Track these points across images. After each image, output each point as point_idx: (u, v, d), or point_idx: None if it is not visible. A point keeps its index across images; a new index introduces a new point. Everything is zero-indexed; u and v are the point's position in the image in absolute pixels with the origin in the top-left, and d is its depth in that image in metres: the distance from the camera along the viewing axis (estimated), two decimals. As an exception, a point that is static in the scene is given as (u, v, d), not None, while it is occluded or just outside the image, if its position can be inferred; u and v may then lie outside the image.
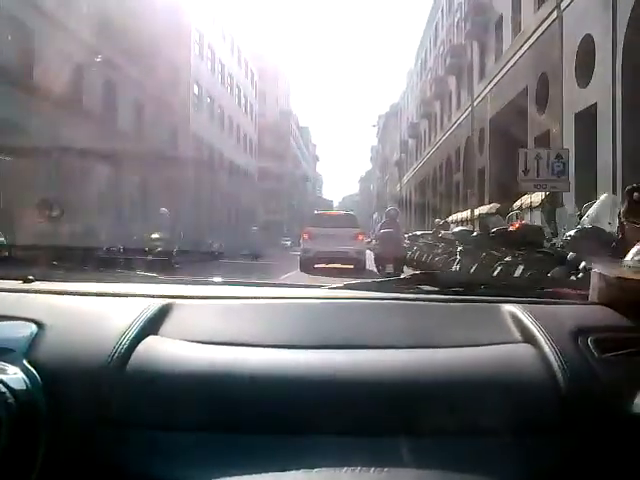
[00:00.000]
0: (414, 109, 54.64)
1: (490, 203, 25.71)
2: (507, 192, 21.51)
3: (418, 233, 20.49)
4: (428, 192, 44.47)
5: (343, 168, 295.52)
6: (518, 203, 20.49)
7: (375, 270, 12.40)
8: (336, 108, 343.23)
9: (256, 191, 50.22)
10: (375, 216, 76.72)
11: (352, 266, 14.72)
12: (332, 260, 14.79)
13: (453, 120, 35.61)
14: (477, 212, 25.48)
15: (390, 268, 11.42)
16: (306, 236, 16.22)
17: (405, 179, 54.85)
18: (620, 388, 0.93)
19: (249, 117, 51.42)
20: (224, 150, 39.67)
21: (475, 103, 28.89)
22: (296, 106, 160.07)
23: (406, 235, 17.12)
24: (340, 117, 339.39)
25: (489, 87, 26.71)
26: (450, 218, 32.63)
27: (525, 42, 21.23)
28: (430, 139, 45.34)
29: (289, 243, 38.43)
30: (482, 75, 29.14)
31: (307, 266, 14.69)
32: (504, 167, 23.33)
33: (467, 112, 31.06)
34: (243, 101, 48.76)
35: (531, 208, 18.97)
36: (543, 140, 18.83)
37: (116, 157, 19.29)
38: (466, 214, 27.72)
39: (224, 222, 38.21)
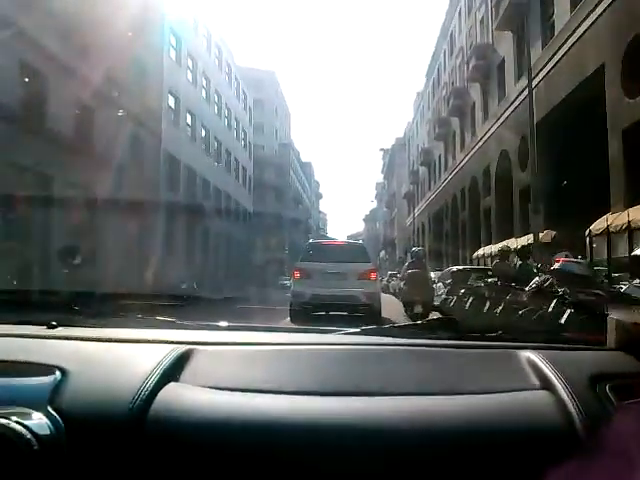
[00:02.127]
0: (425, 134, 49.31)
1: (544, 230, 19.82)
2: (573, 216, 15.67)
3: (456, 269, 14.76)
4: (446, 223, 38.55)
5: (347, 206, 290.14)
6: (599, 226, 14.65)
7: (390, 317, 11.27)
8: (339, 146, 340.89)
9: (253, 227, 45.01)
10: (382, 254, 71.70)
11: (361, 314, 10.69)
12: (334, 307, 10.89)
13: (479, 135, 29.87)
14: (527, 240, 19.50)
15: (419, 308, 11.38)
16: (297, 274, 11.90)
17: (417, 212, 49.17)
18: (637, 436, 0.89)
19: (242, 145, 46.08)
20: (208, 176, 34.08)
21: (518, 102, 23.19)
22: (298, 141, 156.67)
23: (433, 274, 15.62)
24: (344, 155, 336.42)
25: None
26: (482, 251, 26.67)
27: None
28: (447, 163, 39.70)
29: (288, 283, 32.69)
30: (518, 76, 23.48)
31: (299, 316, 10.48)
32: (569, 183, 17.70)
33: (503, 118, 25.37)
34: (235, 126, 43.46)
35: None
36: None
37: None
38: (513, 244, 21.76)
39: (212, 260, 32.78)
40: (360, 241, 17.03)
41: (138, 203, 20.94)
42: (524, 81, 22.25)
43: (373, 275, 11.95)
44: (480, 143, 29.44)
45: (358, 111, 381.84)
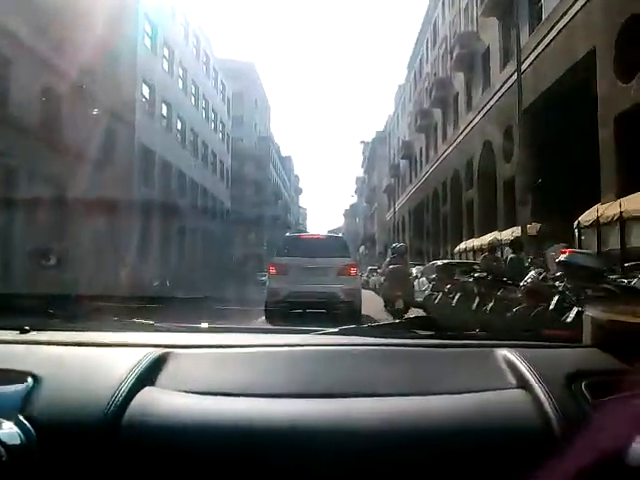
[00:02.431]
0: (406, 127, 48.80)
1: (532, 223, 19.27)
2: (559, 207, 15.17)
3: (441, 263, 14.09)
4: (427, 217, 38.03)
5: (327, 201, 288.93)
6: (588, 217, 14.10)
7: (370, 313, 11.05)
8: (319, 140, 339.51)
9: (231, 223, 44.14)
10: (362, 249, 71.15)
11: (340, 312, 10.25)
12: (312, 304, 10.29)
13: (462, 127, 29.30)
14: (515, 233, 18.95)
15: (400, 304, 11.60)
16: (273, 270, 11.37)
17: (397, 206, 48.58)
18: (614, 434, 0.90)
19: (220, 137, 45.13)
20: (184, 169, 33.14)
21: (503, 90, 22.64)
22: (278, 135, 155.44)
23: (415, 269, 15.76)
24: (324, 149, 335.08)
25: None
26: (464, 245, 26.12)
27: None
28: (428, 156, 39.15)
29: (265, 278, 31.86)
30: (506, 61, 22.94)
31: (275, 315, 9.61)
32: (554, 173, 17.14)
33: (487, 108, 24.81)
34: (213, 118, 42.48)
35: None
36: None
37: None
38: (495, 237, 21.20)
39: (189, 257, 31.92)
40: (340, 234, 16.21)
41: (110, 198, 20.05)
42: (510, 68, 21.73)
43: (353, 270, 11.36)
44: (463, 135, 28.88)
45: (339, 104, 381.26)
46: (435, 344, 1.31)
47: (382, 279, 14.28)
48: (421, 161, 42.01)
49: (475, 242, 24.29)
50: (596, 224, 13.96)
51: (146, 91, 28.92)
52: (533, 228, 18.77)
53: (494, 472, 0.91)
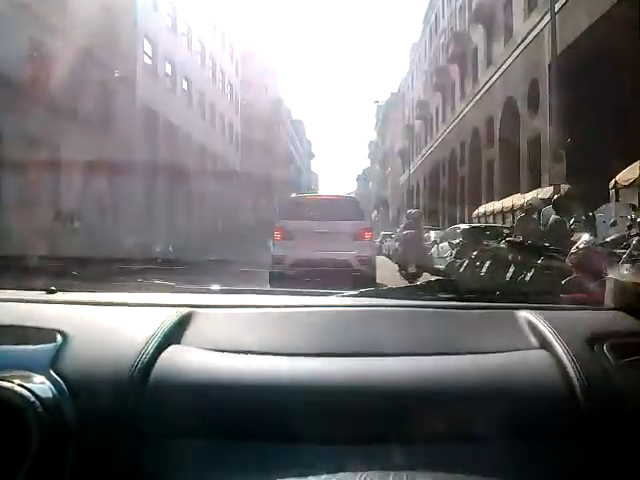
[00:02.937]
0: (421, 87, 46.95)
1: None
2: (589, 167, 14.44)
3: (468, 227, 12.75)
4: (443, 180, 36.56)
5: (340, 166, 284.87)
6: (628, 175, 12.75)
7: (384, 280, 10.02)
8: (332, 104, 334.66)
9: (241, 187, 42.90)
10: (374, 214, 69.80)
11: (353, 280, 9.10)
12: (321, 273, 8.68)
13: (482, 82, 27.70)
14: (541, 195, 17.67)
15: (414, 268, 11.41)
16: (278, 235, 10.20)
17: (411, 169, 47.06)
18: (637, 394, 0.93)
19: (229, 99, 43.63)
20: (191, 131, 31.82)
21: (528, 41, 21.04)
22: (289, 99, 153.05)
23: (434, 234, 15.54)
24: (336, 113, 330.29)
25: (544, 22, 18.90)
26: (482, 209, 24.76)
27: None
28: (445, 115, 37.52)
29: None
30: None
31: (280, 284, 7.62)
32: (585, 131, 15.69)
33: (510, 60, 23.22)
34: (221, 79, 40.93)
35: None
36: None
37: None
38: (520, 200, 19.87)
39: (197, 222, 30.88)
40: (352, 195, 15.09)
41: (109, 160, 18.96)
42: (535, 17, 20.12)
43: (368, 235, 10.23)
44: (483, 91, 27.31)
45: (351, 67, 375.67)
46: (456, 306, 1.29)
47: (396, 244, 13.91)
48: (437, 121, 40.35)
49: (496, 205, 22.95)
50: (638, 183, 12.61)
51: (148, 48, 27.48)
52: (549, 192, 17.46)
53: (516, 432, 0.90)
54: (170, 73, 30.25)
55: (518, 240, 8.68)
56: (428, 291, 1.45)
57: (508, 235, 10.10)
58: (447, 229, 16.97)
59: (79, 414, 0.90)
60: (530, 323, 1.13)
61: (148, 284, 1.56)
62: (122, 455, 0.88)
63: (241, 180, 43.50)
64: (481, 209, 24.95)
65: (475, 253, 9.47)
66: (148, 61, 27.43)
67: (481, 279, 8.50)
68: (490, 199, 24.91)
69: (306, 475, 0.79)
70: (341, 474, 0.79)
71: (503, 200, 22.22)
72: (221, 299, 1.41)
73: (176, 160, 28.20)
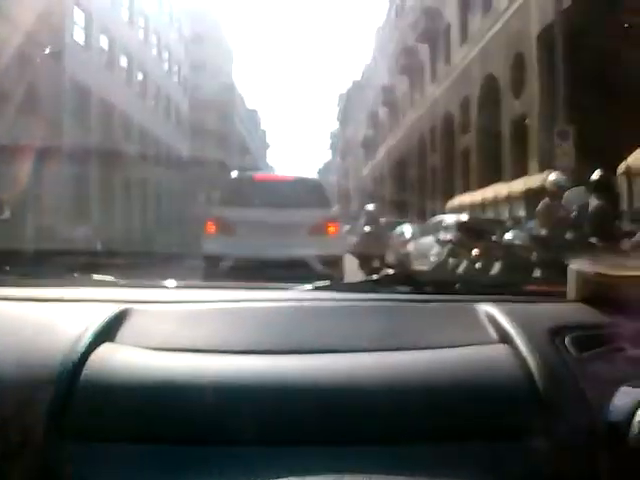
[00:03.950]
0: (386, 71, 44.21)
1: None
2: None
3: (466, 219, 10.32)
4: (411, 170, 33.89)
5: (299, 159, 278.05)
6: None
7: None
8: (288, 93, 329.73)
9: (191, 177, 39.63)
10: (335, 208, 67.01)
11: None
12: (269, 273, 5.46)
13: (456, 61, 25.07)
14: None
15: (376, 263, 11.37)
16: (212, 228, 7.72)
17: (375, 160, 44.42)
18: (598, 387, 0.91)
19: (175, 81, 40.20)
20: (130, 113, 28.46)
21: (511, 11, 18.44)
22: (243, 87, 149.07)
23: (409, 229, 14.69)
24: (293, 103, 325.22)
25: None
26: (457, 201, 22.12)
27: None
28: (413, 100, 34.81)
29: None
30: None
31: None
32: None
33: (490, 35, 20.61)
34: (167, 58, 37.54)
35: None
36: None
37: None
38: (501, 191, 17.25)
39: (137, 214, 27.70)
40: (315, 178, 12.90)
41: (37, 144, 16.17)
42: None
43: (334, 228, 7.81)
44: (457, 70, 24.63)
45: (311, 55, 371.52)
46: (414, 299, 1.27)
47: (355, 239, 13.24)
48: (404, 107, 37.62)
49: (474, 196, 20.32)
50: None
51: (80, 18, 24.16)
52: (538, 180, 14.88)
53: (477, 427, 0.88)
54: (107, 48, 26.86)
55: (544, 234, 6.91)
56: (386, 284, 1.38)
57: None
58: (428, 222, 14.32)
59: (3, 418, 0.84)
60: (490, 316, 1.10)
61: (87, 279, 1.44)
62: (46, 460, 0.82)
63: (191, 170, 40.23)
64: (456, 201, 22.31)
65: (477, 251, 6.88)
66: (80, 32, 24.09)
67: (441, 271, 7.43)
68: (466, 190, 22.30)
69: (237, 478, 0.79)
70: (282, 478, 0.77)
71: (483, 190, 19.62)
72: (164, 295, 1.31)
73: (113, 143, 24.94)
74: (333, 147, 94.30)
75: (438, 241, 9.20)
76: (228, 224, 7.44)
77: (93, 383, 0.89)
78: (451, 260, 7.72)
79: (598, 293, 1.15)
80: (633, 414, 0.83)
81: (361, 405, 0.88)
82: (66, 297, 1.21)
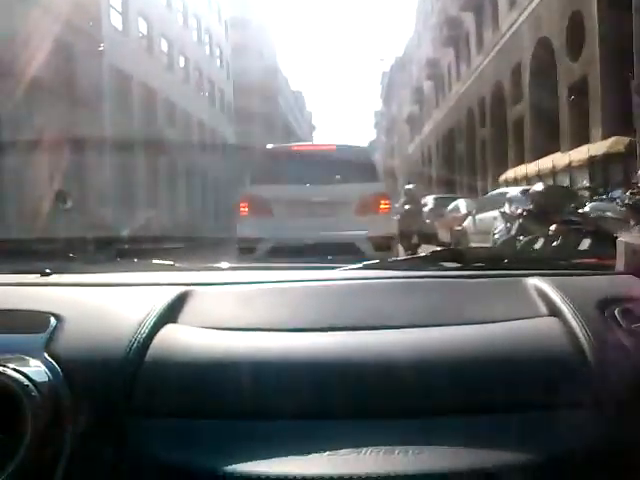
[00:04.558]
0: (430, 44, 42.91)
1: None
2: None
3: (541, 189, 9.10)
4: (459, 144, 32.81)
5: (344, 139, 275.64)
6: None
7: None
8: (333, 74, 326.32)
9: (237, 162, 39.26)
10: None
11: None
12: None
13: (504, 28, 23.88)
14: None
15: (415, 239, 11.39)
16: (245, 209, 6.72)
17: (422, 136, 43.25)
18: None
19: (218, 64, 39.79)
20: (173, 98, 28.18)
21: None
22: (287, 68, 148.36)
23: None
24: (338, 84, 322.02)
25: None
26: (512, 173, 21.10)
27: None
28: (459, 72, 33.61)
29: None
30: None
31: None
32: None
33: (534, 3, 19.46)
34: (208, 42, 37.12)
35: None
36: None
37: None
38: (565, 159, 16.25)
39: (182, 201, 27.54)
40: (364, 146, 11.43)
41: (70, 133, 15.86)
42: None
43: (385, 205, 6.81)
44: (506, 37, 23.46)
45: (352, 35, 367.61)
46: (462, 275, 1.26)
47: (397, 217, 12.75)
48: (450, 80, 36.37)
49: (529, 168, 19.31)
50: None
51: (117, 2, 23.87)
52: (618, 143, 13.86)
53: (528, 400, 0.88)
54: (146, 32, 26.58)
55: None
56: (433, 261, 1.38)
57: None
58: (487, 196, 13.48)
59: (74, 397, 0.88)
60: (539, 290, 1.10)
61: (147, 264, 1.52)
62: (119, 435, 0.86)
63: (237, 155, 39.99)
64: (510, 173, 21.31)
65: (555, 227, 5.94)
66: (117, 18, 23.82)
67: (488, 247, 7.13)
68: (519, 162, 21.27)
69: (310, 451, 0.81)
70: (345, 450, 0.80)
71: (539, 161, 18.62)
72: (220, 277, 1.36)
73: (156, 131, 24.73)
74: (378, 126, 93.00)
75: (503, 215, 8.31)
76: (264, 204, 6.60)
77: (159, 362, 0.92)
78: (522, 237, 6.90)
79: None
80: None
81: (408, 379, 0.89)
82: (128, 281, 1.25)
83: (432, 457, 0.80)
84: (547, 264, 1.41)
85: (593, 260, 1.46)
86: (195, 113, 31.64)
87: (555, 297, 1.05)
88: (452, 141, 34.72)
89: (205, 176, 31.03)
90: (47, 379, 0.89)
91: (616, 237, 1.26)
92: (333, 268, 1.39)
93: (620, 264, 1.21)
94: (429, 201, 19.39)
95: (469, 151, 30.14)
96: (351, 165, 6.90)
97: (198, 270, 1.45)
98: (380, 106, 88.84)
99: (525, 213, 6.98)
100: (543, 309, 1.05)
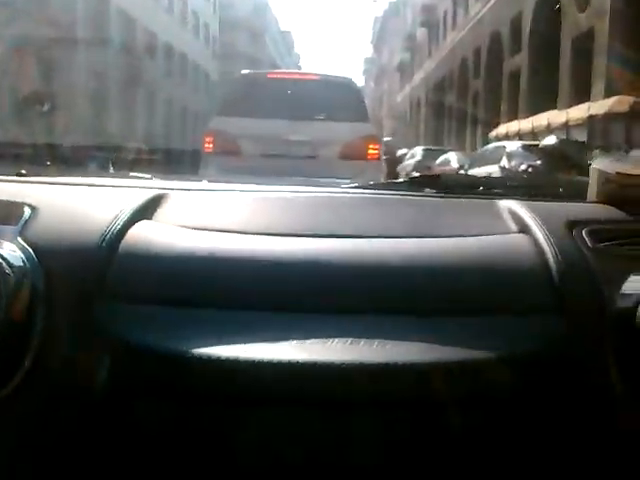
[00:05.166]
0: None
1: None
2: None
3: (555, 141, 8.27)
4: (450, 96, 31.71)
5: None
6: None
7: None
8: (324, 15, 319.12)
9: (218, 99, 37.84)
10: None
11: None
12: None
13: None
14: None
15: None
16: (210, 146, 5.72)
17: (412, 84, 41.96)
18: (609, 275, 0.96)
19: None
20: (153, 27, 26.63)
21: None
22: (277, 7, 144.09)
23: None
24: (327, 24, 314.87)
25: None
26: (504, 129, 20.27)
27: None
28: (455, 20, 32.32)
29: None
30: None
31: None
32: None
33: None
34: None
35: None
36: None
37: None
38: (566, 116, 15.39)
39: (159, 132, 26.39)
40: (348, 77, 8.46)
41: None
42: None
43: (374, 150, 5.84)
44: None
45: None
46: (442, 196, 1.31)
47: None
48: (445, 27, 35.03)
49: (523, 124, 18.48)
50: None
51: None
52: (623, 102, 13.09)
53: (492, 304, 0.94)
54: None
55: None
56: (413, 186, 1.42)
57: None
58: (481, 150, 12.67)
59: (47, 279, 0.91)
60: (512, 211, 1.15)
61: (124, 173, 1.51)
62: (90, 318, 0.89)
63: (218, 91, 38.58)
64: (501, 129, 20.47)
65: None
66: None
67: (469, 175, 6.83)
68: (512, 118, 20.41)
69: (279, 339, 0.84)
70: (313, 340, 0.85)
71: (533, 118, 17.79)
72: (199, 185, 1.36)
73: (132, 55, 23.41)
74: (367, 73, 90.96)
75: (503, 170, 7.56)
76: (231, 141, 5.67)
77: (131, 253, 0.94)
78: None
79: (617, 192, 1.17)
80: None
81: (385, 280, 0.93)
82: (103, 184, 1.24)
83: (394, 350, 0.84)
84: (522, 190, 1.43)
85: (567, 188, 1.48)
86: (178, 46, 30.13)
87: (526, 217, 1.09)
88: (442, 92, 33.55)
89: (185, 109, 29.82)
90: (22, 263, 0.91)
91: (589, 164, 1.26)
92: (324, 185, 1.46)
93: (592, 191, 1.23)
94: (417, 152, 18.61)
95: (461, 103, 29.09)
96: (336, 100, 5.95)
97: (176, 180, 1.43)
98: (370, 52, 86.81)
99: (530, 169, 6.26)
100: (514, 227, 1.09)
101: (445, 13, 34.99)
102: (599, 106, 13.75)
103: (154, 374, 0.86)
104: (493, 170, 8.70)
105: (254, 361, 0.82)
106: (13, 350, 0.85)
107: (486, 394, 0.88)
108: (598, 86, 14.55)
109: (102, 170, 1.61)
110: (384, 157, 11.25)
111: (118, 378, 0.87)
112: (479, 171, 10.05)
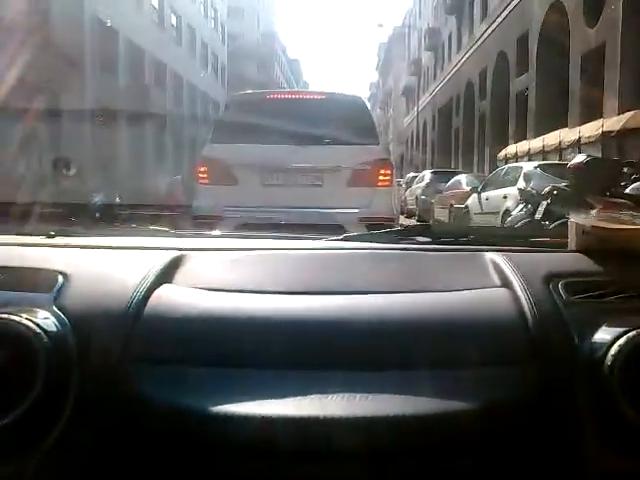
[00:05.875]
0: (430, 13, 41.73)
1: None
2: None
3: (581, 159, 7.61)
4: (456, 118, 31.76)
5: None
6: None
7: None
8: (330, 44, 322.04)
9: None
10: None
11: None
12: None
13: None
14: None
15: None
16: (204, 176, 5.12)
17: (418, 108, 42.04)
18: (582, 326, 1.02)
19: (211, 25, 38.33)
20: (163, 57, 26.90)
21: None
22: (285, 36, 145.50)
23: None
24: (334, 54, 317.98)
25: None
26: (513, 149, 20.14)
27: None
28: (460, 42, 32.42)
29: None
30: None
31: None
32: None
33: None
34: (202, 1, 35.61)
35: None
36: None
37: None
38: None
39: (169, 168, 26.45)
40: (357, 95, 6.96)
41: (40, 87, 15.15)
42: None
43: (386, 176, 5.22)
44: (513, 3, 22.30)
45: (350, 5, 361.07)
46: (430, 248, 1.38)
47: None
48: (450, 50, 35.18)
49: (533, 144, 18.36)
50: None
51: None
52: (636, 118, 12.95)
53: (476, 359, 0.98)
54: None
55: None
56: (406, 235, 1.51)
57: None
58: (497, 170, 12.20)
59: (79, 344, 0.97)
60: (495, 264, 1.20)
61: (144, 229, 1.61)
62: (121, 380, 0.94)
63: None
64: (511, 149, 20.38)
65: (601, 205, 4.82)
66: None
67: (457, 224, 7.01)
68: (521, 138, 20.31)
69: (285, 396, 0.91)
70: (314, 395, 0.91)
71: (544, 137, 17.67)
72: (211, 243, 1.47)
73: (143, 90, 23.51)
74: (372, 98, 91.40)
75: (522, 193, 7.03)
76: (226, 169, 5.10)
77: (155, 316, 1.02)
78: (548, 222, 5.69)
79: (594, 244, 1.24)
80: (609, 349, 0.95)
81: (375, 337, 1.00)
82: (127, 245, 1.34)
83: (386, 403, 0.90)
84: (507, 240, 1.52)
85: (548, 239, 1.53)
86: (186, 76, 30.36)
87: (507, 270, 1.15)
88: (449, 114, 33.63)
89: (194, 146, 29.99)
90: (56, 329, 0.97)
91: (567, 217, 1.33)
92: (316, 239, 1.51)
93: (571, 243, 1.29)
94: (426, 175, 18.32)
95: (467, 124, 29.09)
96: (343, 120, 5.36)
97: (191, 236, 1.56)
98: (376, 78, 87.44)
99: (556, 192, 5.81)
100: (496, 281, 1.15)
101: (450, 36, 35.18)
102: (613, 122, 13.60)
103: (178, 430, 0.92)
104: (510, 192, 8.32)
105: (269, 417, 0.88)
106: (51, 409, 0.91)
107: (464, 443, 0.94)
108: (611, 102, 14.41)
109: (124, 225, 1.71)
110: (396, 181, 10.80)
111: (145, 437, 0.93)
112: (495, 194, 9.69)
